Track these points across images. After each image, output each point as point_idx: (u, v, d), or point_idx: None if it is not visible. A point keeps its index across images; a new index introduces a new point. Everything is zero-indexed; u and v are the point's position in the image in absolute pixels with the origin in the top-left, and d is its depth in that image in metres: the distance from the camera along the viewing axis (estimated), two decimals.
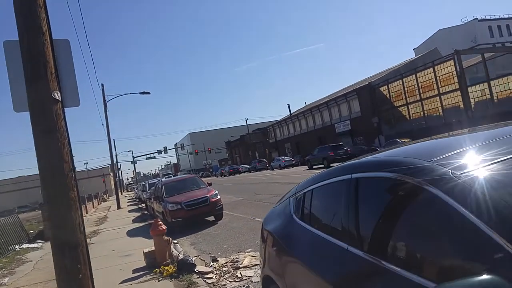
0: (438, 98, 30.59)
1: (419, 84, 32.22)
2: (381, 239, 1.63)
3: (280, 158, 43.84)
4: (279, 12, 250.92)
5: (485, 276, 1.02)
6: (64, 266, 3.17)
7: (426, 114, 32.10)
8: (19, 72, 3.35)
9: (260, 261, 3.29)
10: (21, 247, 11.16)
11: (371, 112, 36.68)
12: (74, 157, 3.57)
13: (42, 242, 12.14)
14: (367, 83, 39.29)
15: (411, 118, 33.73)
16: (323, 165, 26.70)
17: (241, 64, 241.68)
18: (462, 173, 1.34)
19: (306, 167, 28.56)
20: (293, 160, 41.20)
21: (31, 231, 13.68)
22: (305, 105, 63.90)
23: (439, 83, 30.22)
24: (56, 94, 3.36)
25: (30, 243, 11.90)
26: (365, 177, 1.84)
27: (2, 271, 8.23)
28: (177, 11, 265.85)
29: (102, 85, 26.57)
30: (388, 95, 35.97)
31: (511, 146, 1.44)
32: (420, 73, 32.19)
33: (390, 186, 1.66)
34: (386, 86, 36.14)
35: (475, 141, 1.66)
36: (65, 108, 3.56)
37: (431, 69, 30.79)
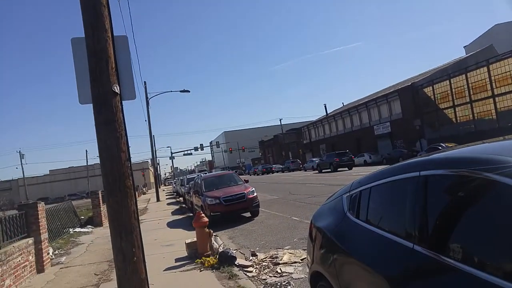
0: (491, 100, 28.47)
1: (470, 85, 30.21)
2: (453, 239, 1.56)
3: (314, 159, 43.54)
4: (317, 10, 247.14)
5: None
6: (121, 248, 3.37)
7: (476, 117, 30.07)
8: (84, 67, 3.59)
9: (307, 258, 3.29)
10: (74, 230, 12.09)
11: (413, 114, 35.06)
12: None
13: (91, 228, 13.04)
14: (409, 83, 37.58)
15: (458, 121, 31.79)
16: (330, 170, 31.24)
17: (277, 63, 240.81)
18: None
19: (344, 169, 30.37)
20: None
21: (82, 217, 14.70)
22: (342, 105, 62.51)
23: (493, 83, 28.08)
24: (115, 87, 3.57)
25: (81, 228, 12.85)
26: (438, 174, 1.75)
27: (59, 250, 8.94)
28: (214, 9, 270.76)
29: (145, 82, 27.67)
30: (432, 97, 34.13)
31: None
32: (471, 73, 30.15)
33: (472, 184, 1.56)
34: (430, 87, 34.32)
35: None
36: (122, 101, 3.76)
37: (485, 68, 28.66)
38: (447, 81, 32.42)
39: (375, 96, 44.96)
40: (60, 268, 7.08)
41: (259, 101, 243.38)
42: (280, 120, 68.87)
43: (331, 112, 57.03)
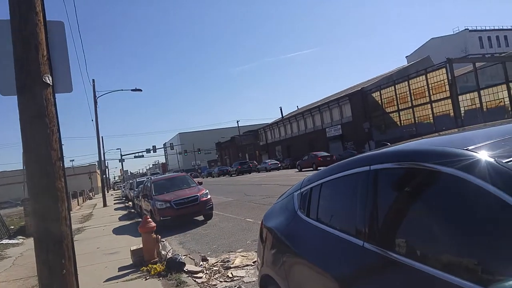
0: (429, 105, 31.01)
1: (411, 91, 32.63)
2: (403, 235, 1.50)
3: (267, 161, 44.65)
4: (276, 15, 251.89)
5: None
6: (47, 260, 2.96)
7: (417, 121, 32.50)
8: (8, 53, 3.15)
9: (257, 260, 3.14)
10: (1, 242, 10.76)
11: (362, 117, 36.97)
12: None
13: (23, 238, 11.75)
14: (359, 88, 39.62)
15: (402, 124, 34.09)
16: (235, 174, 44.45)
17: (235, 65, 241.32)
18: (508, 161, 1.21)
19: (295, 170, 33.32)
20: (278, 163, 41.55)
21: (12, 227, 13.22)
22: (297, 108, 64.13)
23: (431, 90, 30.65)
24: (47, 78, 3.17)
25: (10, 239, 11.49)
26: (387, 168, 1.69)
27: None
28: (172, 9, 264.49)
29: (93, 80, 26.01)
30: (380, 101, 36.28)
31: None
32: (413, 80, 32.60)
33: (420, 177, 1.51)
34: (378, 92, 36.46)
35: (496, 134, 1.56)
36: (56, 94, 3.38)
37: (424, 76, 31.23)
38: (392, 87, 34.67)
39: (327, 100, 46.79)
40: None
41: (215, 103, 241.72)
42: (237, 121, 68.92)
43: (286, 115, 58.23)
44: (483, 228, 1.20)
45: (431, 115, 31.02)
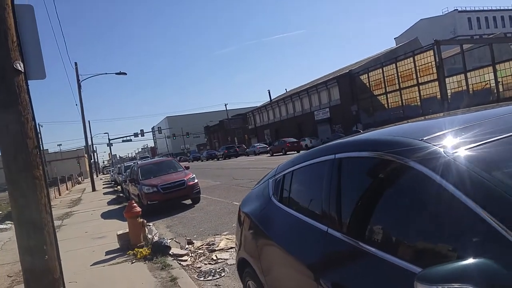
0: (416, 88, 31.22)
1: (399, 74, 32.71)
2: (363, 221, 1.57)
3: (255, 145, 44.58)
4: None
5: (474, 259, 0.97)
6: (29, 248, 3.02)
7: (404, 104, 32.77)
8: None
9: (236, 244, 3.25)
10: None
11: (350, 100, 37.09)
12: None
13: (11, 223, 11.69)
14: (347, 71, 39.54)
15: (390, 107, 34.33)
16: (222, 158, 44.75)
17: (221, 48, 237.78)
18: (454, 152, 1.27)
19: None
20: (267, 147, 41.25)
21: (0, 212, 13.10)
22: (285, 91, 63.86)
23: (418, 73, 30.78)
24: (18, 64, 3.11)
25: None
26: (349, 157, 1.76)
27: None
28: None
29: (76, 63, 25.54)
30: (368, 84, 36.35)
31: (499, 127, 1.41)
32: (400, 62, 32.63)
33: (377, 166, 1.58)
34: (366, 75, 36.46)
35: (460, 122, 1.61)
36: (29, 81, 3.32)
37: (411, 58, 31.25)
38: (380, 69, 34.69)
39: (315, 82, 46.62)
40: None
41: (203, 86, 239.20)
42: (226, 105, 68.51)
43: (274, 98, 58.01)
44: (430, 215, 1.27)
45: (418, 98, 31.30)
